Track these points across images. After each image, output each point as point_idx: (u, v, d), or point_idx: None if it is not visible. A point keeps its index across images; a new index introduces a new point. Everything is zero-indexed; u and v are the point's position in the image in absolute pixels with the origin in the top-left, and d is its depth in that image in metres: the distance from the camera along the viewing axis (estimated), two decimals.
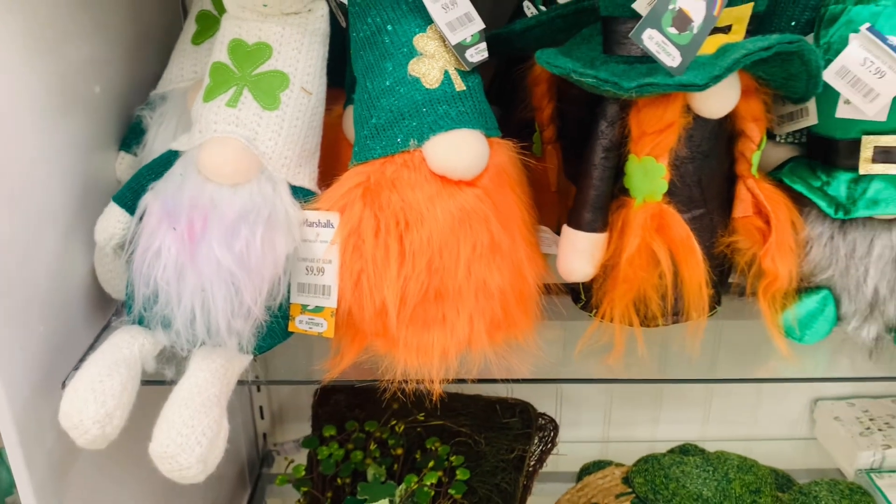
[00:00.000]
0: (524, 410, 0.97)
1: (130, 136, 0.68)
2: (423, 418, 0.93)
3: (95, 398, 0.46)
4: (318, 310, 0.55)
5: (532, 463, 0.93)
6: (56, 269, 0.56)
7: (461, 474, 0.84)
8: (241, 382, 0.51)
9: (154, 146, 0.65)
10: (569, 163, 0.67)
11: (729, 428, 1.11)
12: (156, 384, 0.50)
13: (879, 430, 1.01)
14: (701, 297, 0.56)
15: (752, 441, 1.11)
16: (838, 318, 0.63)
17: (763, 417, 1.10)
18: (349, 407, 0.97)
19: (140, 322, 0.51)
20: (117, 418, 0.47)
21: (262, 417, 1.10)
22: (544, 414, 0.98)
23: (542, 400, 0.99)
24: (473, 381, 0.54)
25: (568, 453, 1.01)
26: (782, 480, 0.99)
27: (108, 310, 0.64)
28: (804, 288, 0.62)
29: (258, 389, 1.08)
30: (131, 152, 0.68)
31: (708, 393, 1.09)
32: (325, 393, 1.00)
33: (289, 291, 0.54)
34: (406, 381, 0.51)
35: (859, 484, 0.94)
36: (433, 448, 0.88)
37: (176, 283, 0.48)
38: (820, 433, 1.08)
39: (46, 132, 0.56)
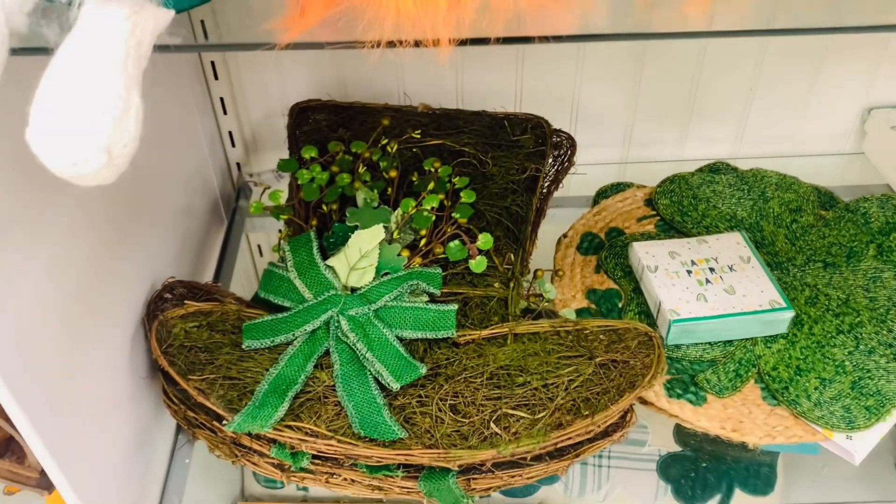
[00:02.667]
0: (537, 126, 0.83)
1: None
2: (418, 136, 0.79)
3: None
4: None
5: (546, 184, 0.81)
6: None
7: (466, 196, 0.72)
8: (163, 48, 0.35)
9: None
10: None
11: (766, 145, 0.98)
12: (33, 53, 0.34)
13: None
14: None
15: (791, 158, 0.98)
16: None
17: (806, 131, 0.96)
18: (331, 126, 0.82)
19: None
20: None
21: (234, 145, 0.96)
22: (560, 130, 0.84)
23: (555, 119, 0.84)
24: (496, 42, 0.38)
25: (585, 174, 0.88)
26: (825, 198, 0.88)
27: None
28: None
29: (224, 111, 0.93)
30: None
31: (745, 105, 0.95)
32: (303, 112, 0.84)
33: None
34: (397, 42, 0.35)
35: None
36: (433, 169, 0.75)
37: None
38: (870, 147, 0.95)
39: None
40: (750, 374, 0.70)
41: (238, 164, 0.98)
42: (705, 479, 0.95)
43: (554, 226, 0.88)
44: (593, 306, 0.77)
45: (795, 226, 0.84)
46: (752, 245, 0.77)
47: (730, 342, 0.73)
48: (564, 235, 0.86)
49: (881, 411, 0.66)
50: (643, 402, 0.70)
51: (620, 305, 0.77)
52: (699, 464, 0.85)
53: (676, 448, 0.79)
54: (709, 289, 0.73)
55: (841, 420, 0.65)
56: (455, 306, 0.65)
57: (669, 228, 0.85)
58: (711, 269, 0.75)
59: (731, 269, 0.75)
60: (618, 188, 0.92)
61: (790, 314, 0.71)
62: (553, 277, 0.80)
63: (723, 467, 0.83)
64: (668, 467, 0.96)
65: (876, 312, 0.74)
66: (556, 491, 0.79)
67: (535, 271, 0.74)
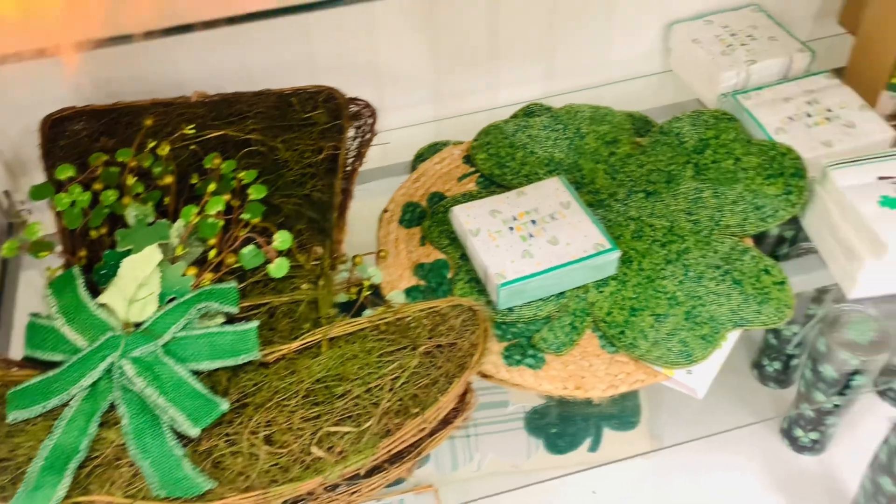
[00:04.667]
0: (330, 98, 0.76)
1: None
2: (192, 131, 0.69)
3: None
4: None
5: (349, 161, 0.74)
6: None
7: (255, 192, 0.64)
8: None
9: None
10: None
11: (577, 78, 0.95)
12: None
13: (742, 44, 0.87)
14: None
15: (604, 87, 0.96)
16: None
17: (613, 56, 0.94)
18: (93, 136, 0.71)
19: None
20: None
21: None
22: (356, 98, 0.77)
23: (356, 87, 0.77)
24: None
25: (393, 142, 0.82)
26: (640, 124, 0.86)
27: None
28: None
29: None
30: None
31: (548, 40, 0.91)
32: (58, 124, 0.73)
33: None
34: None
35: (723, 110, 0.82)
36: (214, 167, 0.66)
37: None
38: (676, 63, 0.94)
39: None
40: (585, 324, 0.67)
41: (6, 192, 0.85)
42: (573, 426, 0.94)
43: (374, 199, 0.82)
44: (422, 282, 0.72)
45: (613, 158, 0.81)
46: (571, 188, 0.74)
47: (562, 294, 0.69)
48: (385, 210, 0.80)
49: (716, 338, 0.65)
50: (484, 376, 0.66)
51: (450, 276, 0.72)
52: (564, 412, 0.83)
53: (539, 401, 0.76)
54: (533, 243, 0.69)
55: (679, 356, 0.64)
56: (256, 323, 0.58)
57: (490, 184, 0.81)
58: (533, 222, 0.71)
59: (552, 217, 0.72)
60: (434, 149, 0.86)
61: (616, 254, 0.69)
62: (377, 259, 0.74)
63: (587, 410, 0.82)
64: (534, 422, 0.94)
65: (700, 235, 0.73)
66: (430, 471, 0.75)
67: (354, 258, 0.68)
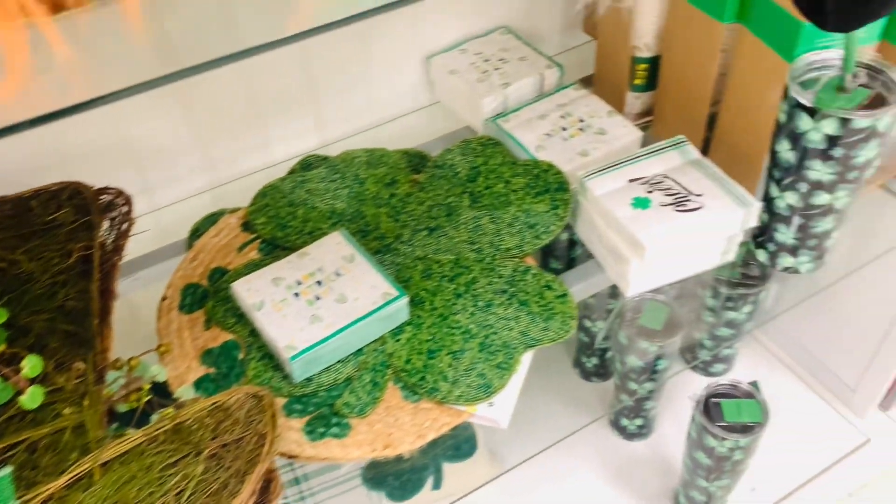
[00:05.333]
0: (75, 194, 0.70)
1: None
2: None
3: None
4: None
5: (106, 258, 0.68)
6: None
7: None
8: None
9: None
10: None
11: (349, 123, 0.94)
12: None
13: (496, 68, 0.91)
14: None
15: (378, 128, 0.96)
16: None
17: (380, 96, 0.94)
18: None
19: None
20: None
21: None
22: (106, 188, 0.71)
23: (115, 174, 0.71)
24: None
25: (167, 220, 0.78)
26: (416, 160, 0.87)
27: None
28: None
29: None
30: None
31: (313, 93, 0.89)
32: None
33: None
34: None
35: (489, 136, 0.85)
36: None
37: None
38: (441, 94, 0.96)
39: None
40: (386, 377, 0.66)
41: None
42: (411, 470, 0.92)
43: (145, 290, 0.77)
44: (212, 370, 0.68)
45: (394, 200, 0.81)
46: (353, 240, 0.73)
47: (360, 351, 0.68)
48: (164, 298, 0.75)
49: (511, 364, 0.66)
50: (290, 457, 0.63)
51: (241, 357, 0.69)
52: (398, 459, 0.81)
53: None
54: (320, 305, 0.67)
55: (479, 390, 0.64)
56: (9, 469, 0.51)
57: (274, 248, 0.78)
58: (319, 283, 0.69)
59: (337, 274, 0.70)
60: (211, 220, 0.82)
61: (404, 300, 0.68)
62: (159, 355, 0.69)
63: (422, 450, 0.80)
64: (371, 476, 0.91)
65: (484, 263, 0.74)
66: None
67: (129, 360, 0.63)
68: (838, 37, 0.64)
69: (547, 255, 0.89)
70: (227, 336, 0.70)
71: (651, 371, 0.91)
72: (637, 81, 0.88)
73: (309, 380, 0.66)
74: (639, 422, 1.00)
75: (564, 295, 0.71)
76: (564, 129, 0.83)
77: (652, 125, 0.89)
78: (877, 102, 0.63)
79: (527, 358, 0.68)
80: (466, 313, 0.70)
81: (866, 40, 0.67)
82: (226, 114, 0.85)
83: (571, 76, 0.95)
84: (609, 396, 1.05)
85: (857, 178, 0.65)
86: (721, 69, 0.77)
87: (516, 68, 0.90)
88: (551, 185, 0.77)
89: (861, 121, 0.60)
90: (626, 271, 0.71)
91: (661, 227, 0.68)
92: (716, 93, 0.79)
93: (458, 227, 0.77)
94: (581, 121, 0.83)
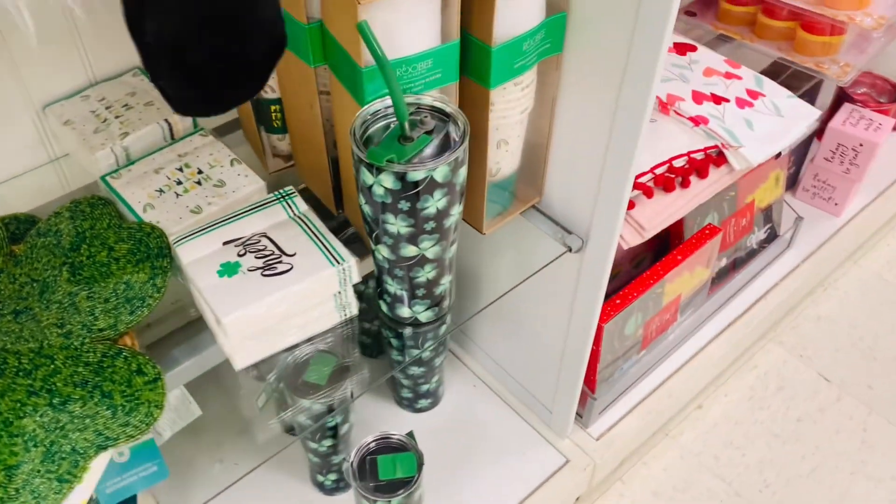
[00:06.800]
0: None
1: None
2: None
3: None
4: None
5: None
6: None
7: None
8: None
9: None
10: None
11: None
12: None
13: (117, 117, 0.81)
14: None
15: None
16: None
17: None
18: None
19: None
20: None
21: None
22: None
23: None
24: None
25: None
26: (23, 227, 0.76)
27: None
28: None
29: None
30: None
31: None
32: None
33: None
34: None
35: (99, 195, 0.76)
36: None
37: None
38: (65, 148, 0.85)
39: None
40: None
41: None
42: None
43: None
44: None
45: None
46: None
47: None
48: None
49: (75, 472, 0.58)
50: None
51: None
52: None
53: None
54: None
55: None
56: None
57: None
58: None
59: None
60: None
61: None
62: None
63: None
64: None
65: (71, 349, 0.65)
66: None
67: None
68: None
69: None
70: None
71: (326, 428, 0.85)
72: (276, 123, 0.82)
73: None
74: (333, 476, 0.95)
75: (156, 380, 0.63)
76: (180, 182, 0.75)
77: (295, 168, 0.84)
78: (446, 147, 0.60)
79: (101, 461, 0.60)
80: (37, 415, 0.61)
81: (443, 81, 0.64)
82: None
83: (219, 120, 0.88)
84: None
85: (438, 228, 0.62)
86: (328, 112, 0.72)
87: (140, 115, 0.81)
88: (152, 251, 0.69)
89: (414, 173, 0.57)
90: (223, 344, 0.64)
91: (242, 297, 0.62)
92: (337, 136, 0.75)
93: (51, 307, 0.68)
94: (200, 172, 0.76)
